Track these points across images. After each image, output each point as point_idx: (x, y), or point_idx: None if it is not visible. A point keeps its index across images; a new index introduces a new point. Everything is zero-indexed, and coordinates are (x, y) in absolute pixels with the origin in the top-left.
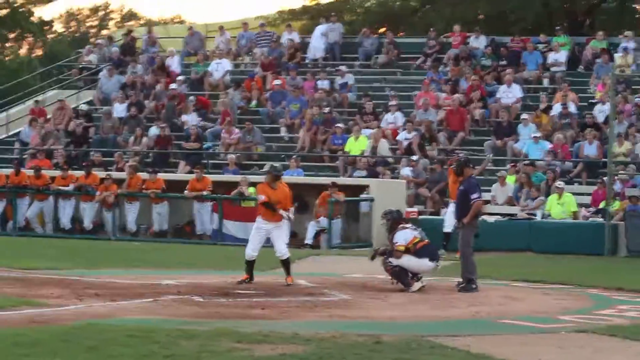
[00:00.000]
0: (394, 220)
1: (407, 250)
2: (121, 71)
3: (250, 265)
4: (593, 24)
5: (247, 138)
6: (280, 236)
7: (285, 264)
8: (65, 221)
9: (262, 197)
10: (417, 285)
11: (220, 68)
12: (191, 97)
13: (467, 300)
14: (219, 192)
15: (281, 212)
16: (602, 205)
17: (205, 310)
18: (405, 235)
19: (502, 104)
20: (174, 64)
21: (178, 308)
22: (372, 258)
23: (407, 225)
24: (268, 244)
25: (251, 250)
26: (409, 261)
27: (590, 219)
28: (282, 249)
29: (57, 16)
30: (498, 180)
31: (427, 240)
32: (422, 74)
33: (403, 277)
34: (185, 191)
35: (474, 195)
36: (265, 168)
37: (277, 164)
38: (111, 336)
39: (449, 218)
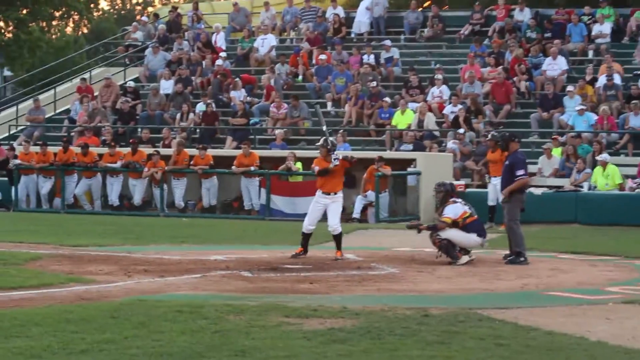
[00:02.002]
0: (447, 193)
1: (456, 225)
2: (167, 48)
3: (306, 238)
4: None
5: (294, 113)
6: (334, 210)
7: (337, 238)
8: (114, 198)
9: (317, 168)
10: (464, 259)
11: (265, 43)
12: (237, 80)
13: (514, 273)
14: (267, 167)
15: (333, 158)
16: None
17: (253, 285)
18: (455, 210)
19: (547, 76)
20: (219, 40)
21: (227, 283)
22: (410, 227)
23: (458, 200)
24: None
25: (308, 224)
26: (456, 235)
27: (637, 190)
28: (334, 224)
29: None
30: (544, 152)
31: (476, 216)
32: (467, 47)
33: (451, 251)
34: (233, 167)
35: (520, 172)
36: (319, 142)
37: (331, 138)
38: (160, 312)
39: (491, 192)
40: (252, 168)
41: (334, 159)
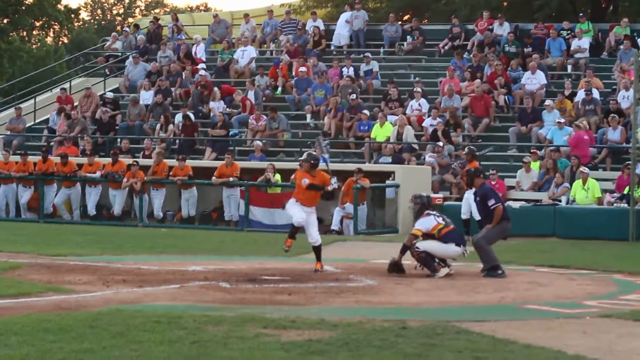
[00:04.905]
0: (422, 205)
1: (432, 237)
2: (147, 59)
3: (297, 231)
4: (616, 10)
5: (273, 125)
6: (313, 222)
7: (317, 250)
8: (90, 208)
9: (307, 181)
10: (443, 272)
11: (245, 55)
12: (215, 88)
13: (492, 286)
14: (245, 178)
15: (333, 181)
16: (626, 190)
17: (232, 296)
18: (427, 223)
19: (526, 91)
20: (199, 51)
21: (205, 294)
22: (392, 269)
23: (432, 212)
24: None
25: (302, 218)
26: (435, 246)
27: (615, 204)
28: (315, 235)
29: (83, 4)
30: (523, 166)
31: (452, 226)
32: (447, 60)
33: (429, 263)
34: (214, 177)
35: (491, 202)
36: (303, 157)
37: (314, 152)
38: (138, 322)
39: (465, 205)
40: (232, 179)
41: (334, 183)
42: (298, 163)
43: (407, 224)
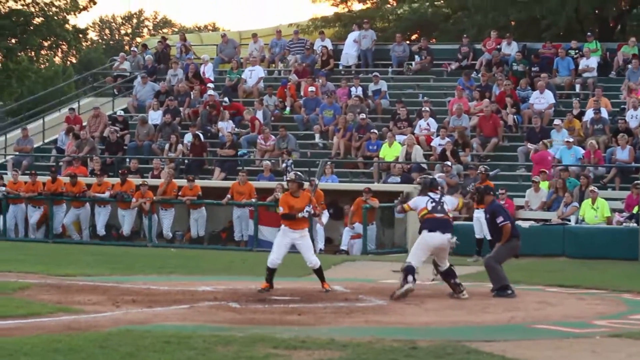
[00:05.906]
0: (425, 186)
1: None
2: (155, 78)
3: (272, 273)
4: (624, 29)
5: (282, 145)
6: (307, 246)
7: (319, 272)
8: (100, 228)
9: (281, 209)
10: (406, 287)
11: (253, 75)
12: (226, 99)
13: (502, 306)
14: (255, 198)
15: (305, 209)
16: (635, 210)
17: (241, 316)
18: (419, 202)
19: (534, 110)
20: (207, 71)
21: (214, 314)
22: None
23: (430, 194)
24: (293, 249)
25: (276, 258)
26: (418, 250)
27: (624, 223)
28: (312, 259)
29: (92, 24)
30: (532, 186)
31: (437, 215)
32: (455, 80)
33: (404, 278)
34: (228, 195)
35: (500, 219)
36: (289, 177)
37: (299, 172)
38: (148, 342)
39: (476, 224)
40: (253, 200)
41: (305, 211)
42: (279, 185)
43: None
